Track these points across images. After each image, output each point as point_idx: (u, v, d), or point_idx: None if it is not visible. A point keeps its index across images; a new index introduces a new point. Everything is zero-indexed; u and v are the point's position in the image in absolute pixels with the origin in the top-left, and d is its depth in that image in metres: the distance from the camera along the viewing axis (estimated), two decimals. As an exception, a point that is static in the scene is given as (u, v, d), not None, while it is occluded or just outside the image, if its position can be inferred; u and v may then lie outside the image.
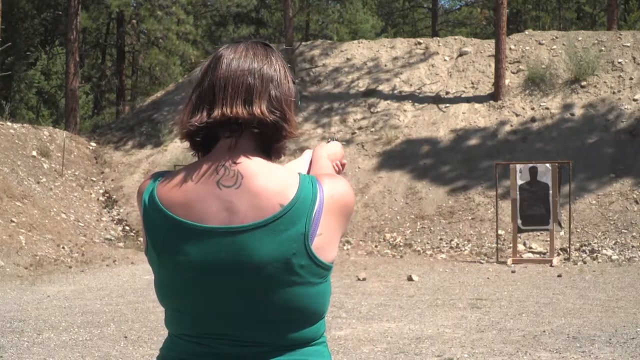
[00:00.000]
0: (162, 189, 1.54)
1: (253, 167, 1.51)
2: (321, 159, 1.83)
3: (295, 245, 1.46)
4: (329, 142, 1.95)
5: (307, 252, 1.47)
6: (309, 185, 1.50)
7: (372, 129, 18.81)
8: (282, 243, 1.46)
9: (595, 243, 13.95)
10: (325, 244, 1.50)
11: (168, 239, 1.50)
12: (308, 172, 1.83)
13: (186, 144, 1.60)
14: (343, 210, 1.53)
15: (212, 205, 1.49)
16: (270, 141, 1.56)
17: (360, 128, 18.96)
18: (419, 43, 21.39)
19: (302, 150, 1.96)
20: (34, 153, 18.05)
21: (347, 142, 18.06)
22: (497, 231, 14.19)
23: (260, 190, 1.48)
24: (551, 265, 12.63)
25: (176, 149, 18.86)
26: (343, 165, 1.94)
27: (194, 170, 1.54)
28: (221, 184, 1.50)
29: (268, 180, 1.49)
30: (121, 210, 17.54)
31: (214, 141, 1.56)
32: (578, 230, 14.49)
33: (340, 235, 1.56)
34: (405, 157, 17.68)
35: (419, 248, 14.82)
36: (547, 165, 13.45)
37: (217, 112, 1.52)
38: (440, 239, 15.03)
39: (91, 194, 18.13)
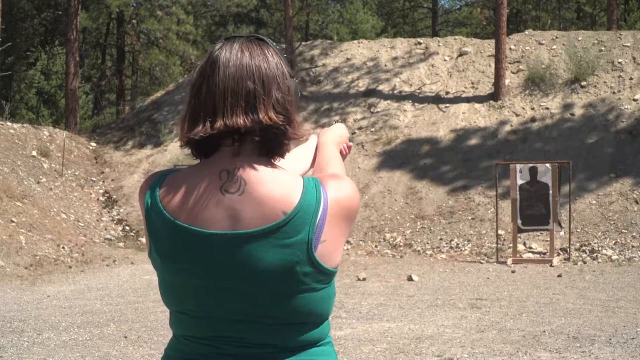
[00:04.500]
0: (164, 193, 1.52)
1: (256, 173, 1.49)
2: (327, 145, 1.81)
3: (298, 254, 1.45)
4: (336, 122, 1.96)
5: (310, 260, 1.46)
6: (313, 191, 1.48)
7: (372, 129, 18.81)
8: (285, 251, 1.44)
9: (595, 243, 13.95)
10: (329, 250, 1.48)
11: (171, 243, 1.49)
12: (313, 160, 1.82)
13: None
14: (348, 214, 1.51)
15: (215, 211, 1.47)
16: (274, 145, 1.53)
17: (360, 128, 18.96)
18: (419, 43, 21.39)
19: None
20: (34, 153, 18.04)
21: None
22: (497, 231, 14.18)
23: (263, 197, 1.46)
24: (551, 265, 12.63)
25: (176, 149, 18.85)
26: (349, 147, 1.93)
27: (197, 175, 1.52)
28: (224, 190, 1.48)
29: (271, 187, 1.47)
30: (121, 210, 17.54)
31: (216, 147, 1.53)
32: (578, 230, 14.49)
33: (345, 239, 1.54)
34: (405, 157, 17.68)
35: (419, 248, 14.82)
36: (547, 165, 13.45)
37: (219, 123, 1.47)
38: (440, 239, 15.03)
39: (91, 194, 18.13)
